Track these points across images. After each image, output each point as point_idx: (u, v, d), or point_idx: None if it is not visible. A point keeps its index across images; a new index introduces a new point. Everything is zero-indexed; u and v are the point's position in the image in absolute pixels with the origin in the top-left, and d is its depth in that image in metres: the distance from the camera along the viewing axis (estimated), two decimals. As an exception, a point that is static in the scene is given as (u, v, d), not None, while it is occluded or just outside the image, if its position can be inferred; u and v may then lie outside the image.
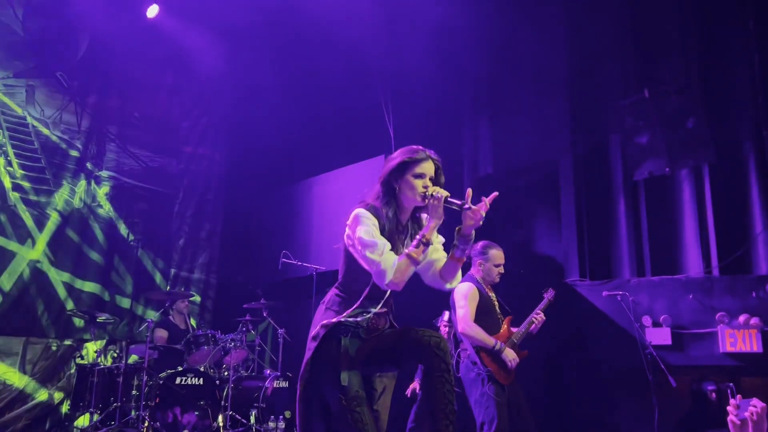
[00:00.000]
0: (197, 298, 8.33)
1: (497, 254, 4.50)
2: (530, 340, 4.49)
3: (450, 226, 2.75)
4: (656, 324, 5.69)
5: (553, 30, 6.75)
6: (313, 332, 2.78)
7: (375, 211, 2.76)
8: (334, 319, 2.72)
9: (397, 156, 2.81)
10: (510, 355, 4.26)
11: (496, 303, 4.50)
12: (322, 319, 2.77)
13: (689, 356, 5.54)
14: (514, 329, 4.48)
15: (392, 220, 2.78)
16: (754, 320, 5.34)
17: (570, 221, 6.43)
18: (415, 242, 2.65)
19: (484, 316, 4.34)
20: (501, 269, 4.51)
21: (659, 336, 5.57)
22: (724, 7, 6.02)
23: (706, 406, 5.30)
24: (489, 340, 4.23)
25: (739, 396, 1.94)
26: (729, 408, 1.94)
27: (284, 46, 7.78)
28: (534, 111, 6.80)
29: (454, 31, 6.93)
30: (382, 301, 2.78)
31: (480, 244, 4.53)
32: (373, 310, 2.75)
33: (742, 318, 5.39)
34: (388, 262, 2.59)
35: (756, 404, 1.90)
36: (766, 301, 5.40)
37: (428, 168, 2.77)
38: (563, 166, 6.58)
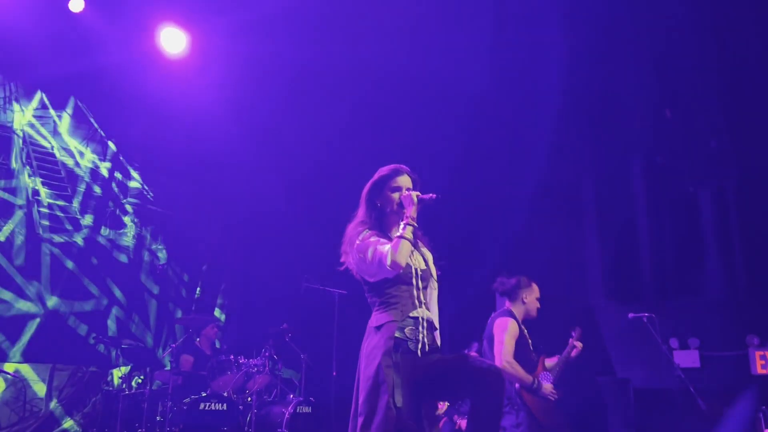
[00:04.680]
0: (221, 323, 8.37)
1: (537, 288, 4.49)
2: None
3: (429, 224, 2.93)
4: (684, 346, 5.60)
5: (575, 51, 6.77)
6: (365, 354, 2.83)
7: (365, 226, 2.98)
8: (384, 336, 2.77)
9: (374, 176, 3.08)
10: (548, 389, 4.20)
11: (530, 340, 4.44)
12: (372, 338, 2.83)
13: (719, 379, 5.44)
14: (549, 362, 4.44)
15: (382, 236, 2.95)
16: (785, 342, 5.24)
17: (593, 243, 6.39)
18: (402, 226, 2.85)
19: (520, 353, 4.27)
20: (538, 303, 4.47)
21: (687, 358, 5.49)
22: (744, 27, 6.00)
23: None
24: (528, 378, 4.16)
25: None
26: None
27: (302, 73, 7.87)
28: (556, 131, 6.80)
29: (466, 46, 6.97)
30: (418, 301, 2.87)
31: (519, 278, 4.47)
32: (414, 315, 2.83)
33: (772, 339, 5.29)
34: (384, 249, 2.79)
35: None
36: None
37: (404, 181, 3.02)
38: (585, 187, 6.56)
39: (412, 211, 2.88)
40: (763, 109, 5.85)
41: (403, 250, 2.77)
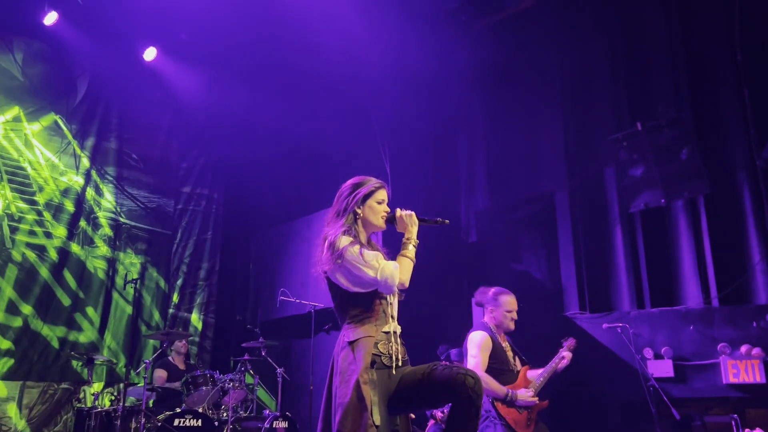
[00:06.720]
0: (195, 338, 8.28)
1: (509, 300, 4.39)
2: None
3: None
4: (658, 356, 5.65)
5: (547, 66, 6.87)
6: (340, 371, 2.78)
7: (350, 236, 2.90)
8: (362, 351, 2.75)
9: (358, 186, 3.03)
10: (525, 397, 4.17)
11: (510, 352, 4.39)
12: (348, 354, 2.79)
13: (692, 388, 5.49)
14: (533, 374, 4.38)
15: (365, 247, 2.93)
16: (756, 350, 5.30)
17: (568, 254, 6.44)
18: (403, 246, 2.91)
19: (497, 366, 4.25)
20: (514, 315, 4.39)
21: (661, 368, 5.53)
22: (712, 42, 6.14)
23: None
24: (501, 390, 4.14)
25: (747, 430, 1.93)
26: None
27: (281, 87, 7.88)
28: (529, 145, 6.88)
29: (448, 68, 7.04)
30: (390, 317, 2.88)
31: (492, 290, 4.45)
32: (386, 330, 2.83)
33: (744, 348, 5.36)
34: (389, 267, 2.79)
35: (759, 435, 1.89)
36: (767, 331, 5.37)
37: (386, 196, 3.04)
38: (559, 200, 6.63)
39: (415, 232, 2.95)
40: (732, 120, 5.96)
41: (409, 271, 2.85)
